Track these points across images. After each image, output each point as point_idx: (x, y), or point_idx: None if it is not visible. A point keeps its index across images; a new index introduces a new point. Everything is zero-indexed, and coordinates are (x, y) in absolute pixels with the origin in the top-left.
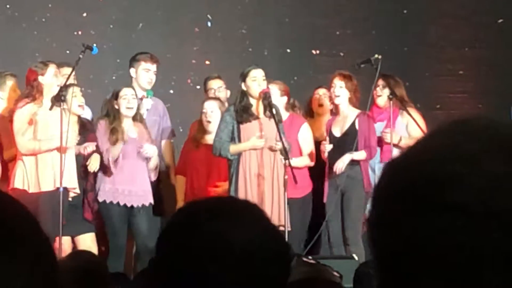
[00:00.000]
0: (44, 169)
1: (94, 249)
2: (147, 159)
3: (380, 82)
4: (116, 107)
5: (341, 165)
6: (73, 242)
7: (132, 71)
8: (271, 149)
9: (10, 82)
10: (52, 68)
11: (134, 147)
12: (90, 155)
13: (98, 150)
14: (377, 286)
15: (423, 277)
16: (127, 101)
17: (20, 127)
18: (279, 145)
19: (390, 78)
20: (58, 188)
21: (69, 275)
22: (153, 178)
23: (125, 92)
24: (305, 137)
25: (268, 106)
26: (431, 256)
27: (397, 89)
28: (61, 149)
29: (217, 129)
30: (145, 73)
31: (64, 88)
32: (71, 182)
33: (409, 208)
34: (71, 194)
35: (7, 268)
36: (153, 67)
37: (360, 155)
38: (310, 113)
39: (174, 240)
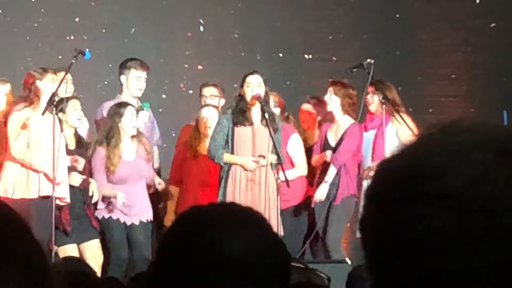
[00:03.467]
0: (34, 176)
1: (100, 255)
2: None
3: (370, 89)
4: (120, 125)
5: (320, 196)
6: (79, 249)
7: (122, 78)
8: (257, 162)
9: (2, 88)
10: (50, 75)
11: (131, 170)
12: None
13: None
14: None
15: (413, 267)
16: (133, 120)
17: (13, 131)
18: (263, 162)
19: (380, 83)
20: (48, 196)
21: (60, 281)
22: (150, 191)
23: (131, 111)
24: (294, 148)
25: (261, 111)
26: (419, 244)
27: (388, 94)
28: (53, 156)
29: (213, 131)
30: (136, 81)
31: (64, 99)
32: (62, 192)
33: (398, 199)
34: (60, 203)
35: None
36: (143, 75)
37: (331, 174)
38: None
39: (175, 246)
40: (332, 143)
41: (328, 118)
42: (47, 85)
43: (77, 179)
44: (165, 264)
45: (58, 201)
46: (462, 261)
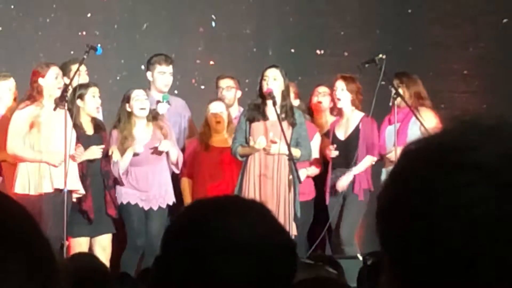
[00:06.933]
0: (46, 171)
1: (109, 249)
2: (167, 156)
3: (395, 81)
4: (129, 109)
5: (343, 183)
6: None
7: (148, 74)
8: (266, 151)
9: (5, 83)
10: (53, 70)
11: (147, 152)
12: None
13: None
14: (387, 272)
15: (445, 237)
16: (140, 102)
17: (15, 129)
18: (274, 149)
19: (404, 76)
20: (61, 190)
21: (70, 277)
22: (177, 171)
23: (137, 94)
24: (315, 147)
25: (273, 106)
26: (453, 215)
27: (412, 87)
28: (65, 152)
29: (235, 131)
30: (160, 76)
31: (83, 86)
32: (73, 184)
33: (431, 173)
34: (75, 195)
35: (5, 270)
36: (168, 69)
37: (361, 166)
38: (308, 112)
39: (179, 238)
40: (341, 137)
41: (335, 113)
42: (49, 81)
43: (97, 151)
44: (170, 256)
45: (75, 194)
46: (494, 234)
